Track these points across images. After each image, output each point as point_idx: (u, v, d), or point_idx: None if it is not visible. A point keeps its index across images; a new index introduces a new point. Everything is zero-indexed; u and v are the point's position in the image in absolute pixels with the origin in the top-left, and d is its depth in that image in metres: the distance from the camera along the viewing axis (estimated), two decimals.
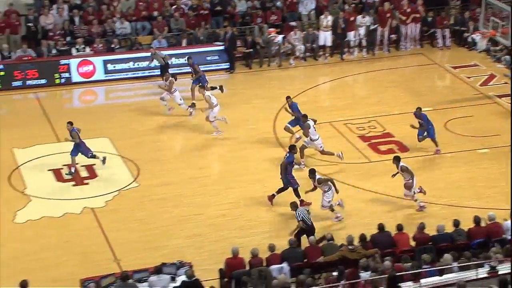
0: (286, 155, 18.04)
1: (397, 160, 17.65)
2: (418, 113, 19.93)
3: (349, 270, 13.33)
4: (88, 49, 25.30)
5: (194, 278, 13.68)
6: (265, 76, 25.79)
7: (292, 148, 18.22)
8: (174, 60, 25.56)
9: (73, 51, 25.20)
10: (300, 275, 13.41)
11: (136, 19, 26.60)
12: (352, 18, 26.71)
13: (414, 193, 17.45)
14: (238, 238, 16.55)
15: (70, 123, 19.14)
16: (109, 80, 25.18)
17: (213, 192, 18.69)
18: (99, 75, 25.11)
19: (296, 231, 15.85)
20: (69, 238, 16.90)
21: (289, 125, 20.43)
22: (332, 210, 17.14)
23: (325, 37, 26.60)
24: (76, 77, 24.86)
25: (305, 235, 15.67)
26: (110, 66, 25.17)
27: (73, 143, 19.14)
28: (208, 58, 25.94)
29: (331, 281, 13.22)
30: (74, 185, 19.09)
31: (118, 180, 19.27)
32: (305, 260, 14.61)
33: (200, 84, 22.32)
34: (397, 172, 17.64)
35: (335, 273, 13.43)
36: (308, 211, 16.15)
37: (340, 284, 13.01)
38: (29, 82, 24.32)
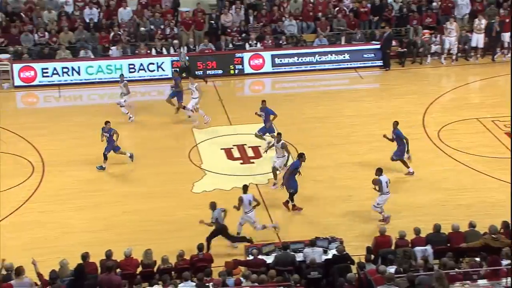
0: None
1: (379, 171, 16.27)
2: (394, 127, 18.20)
3: (491, 257, 12.66)
4: (259, 45, 25.68)
5: (344, 253, 13.58)
6: (417, 74, 25.04)
7: (300, 155, 16.89)
8: (333, 57, 25.52)
9: (247, 46, 25.66)
10: (443, 258, 12.92)
11: (302, 19, 26.69)
12: (507, 20, 25.30)
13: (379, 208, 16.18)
14: None
15: (108, 122, 18.73)
16: (275, 73, 25.43)
17: (364, 176, 18.33)
18: (268, 67, 25.40)
19: (211, 233, 15.11)
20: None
21: (259, 133, 19.48)
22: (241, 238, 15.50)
23: (478, 39, 25.37)
24: (247, 69, 25.29)
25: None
26: (277, 60, 25.42)
27: (107, 140, 18.64)
28: (365, 55, 25.60)
29: (473, 265, 12.62)
30: (241, 163, 19.40)
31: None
32: (448, 245, 14.05)
33: (177, 97, 21.58)
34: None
35: (477, 259, 12.82)
36: (224, 211, 15.21)
37: (482, 269, 12.39)
38: (208, 72, 24.99)
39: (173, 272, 13.55)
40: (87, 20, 25.65)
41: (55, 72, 24.09)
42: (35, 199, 17.54)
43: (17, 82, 23.92)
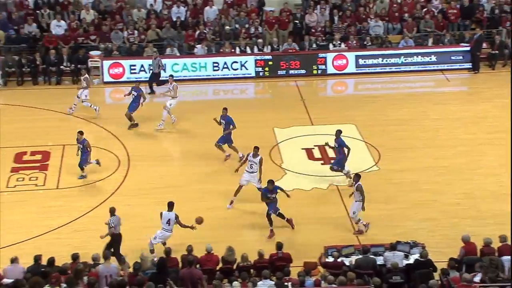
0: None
1: (357, 177, 15.85)
2: (337, 136, 17.69)
3: None
4: (343, 45, 25.48)
5: (427, 258, 13.28)
6: (509, 77, 24.14)
7: (267, 182, 15.93)
8: (419, 59, 25.05)
9: (330, 46, 25.51)
10: None
11: (388, 19, 26.30)
12: None
13: (357, 218, 15.86)
14: (470, 226, 15.77)
15: (81, 132, 18.23)
16: (359, 73, 25.18)
17: (448, 181, 18.00)
18: (351, 68, 25.17)
19: (109, 242, 14.60)
20: (314, 210, 17.18)
21: (219, 143, 18.81)
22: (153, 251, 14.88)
23: None
24: (330, 69, 25.13)
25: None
26: (361, 61, 25.17)
27: (80, 151, 18.13)
28: (453, 57, 25.02)
29: None
30: (322, 164, 19.28)
31: (361, 163, 19.13)
32: None
33: (130, 107, 20.77)
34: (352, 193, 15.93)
35: None
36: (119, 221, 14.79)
37: None
38: (291, 72, 25.00)
39: (252, 270, 13.63)
40: (174, 19, 26.14)
41: (142, 69, 24.68)
42: (121, 192, 18.00)
43: (106, 78, 24.65)
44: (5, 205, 17.04)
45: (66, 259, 13.36)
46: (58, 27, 25.23)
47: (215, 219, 16.66)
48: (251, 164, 16.96)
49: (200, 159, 19.41)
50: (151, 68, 23.58)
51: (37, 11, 25.78)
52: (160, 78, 23.49)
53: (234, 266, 13.76)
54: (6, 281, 12.03)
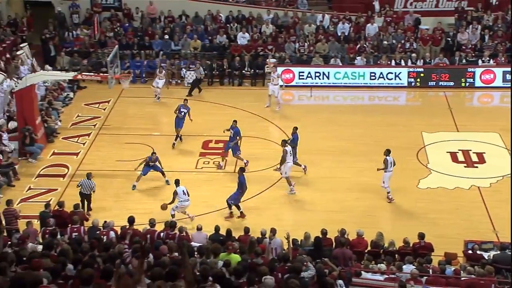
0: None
1: (387, 152, 16.31)
2: (293, 132, 17.86)
3: None
4: (491, 61, 23.98)
5: None
6: None
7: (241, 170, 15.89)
8: None
9: (479, 62, 24.12)
10: None
11: None
12: None
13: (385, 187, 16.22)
14: None
15: (154, 153, 17.51)
16: (506, 88, 23.51)
17: None
18: (498, 82, 23.61)
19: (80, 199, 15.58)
20: (458, 206, 16.41)
21: (236, 153, 18.12)
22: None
23: None
24: (478, 83, 23.74)
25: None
26: (508, 76, 23.47)
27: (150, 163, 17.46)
28: None
29: None
30: (465, 167, 18.42)
31: (503, 168, 18.05)
32: None
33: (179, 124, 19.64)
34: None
35: None
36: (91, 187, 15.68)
37: None
38: (441, 83, 23.95)
39: (396, 255, 13.27)
40: (339, 34, 26.03)
41: (309, 75, 24.83)
42: (284, 179, 18.16)
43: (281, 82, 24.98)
44: (194, 183, 17.88)
45: (239, 231, 13.77)
46: (243, 38, 26.11)
47: (362, 208, 16.44)
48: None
49: (355, 156, 19.16)
50: (196, 74, 23.85)
51: (228, 25, 26.82)
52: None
53: (381, 251, 13.47)
54: (193, 244, 12.64)
